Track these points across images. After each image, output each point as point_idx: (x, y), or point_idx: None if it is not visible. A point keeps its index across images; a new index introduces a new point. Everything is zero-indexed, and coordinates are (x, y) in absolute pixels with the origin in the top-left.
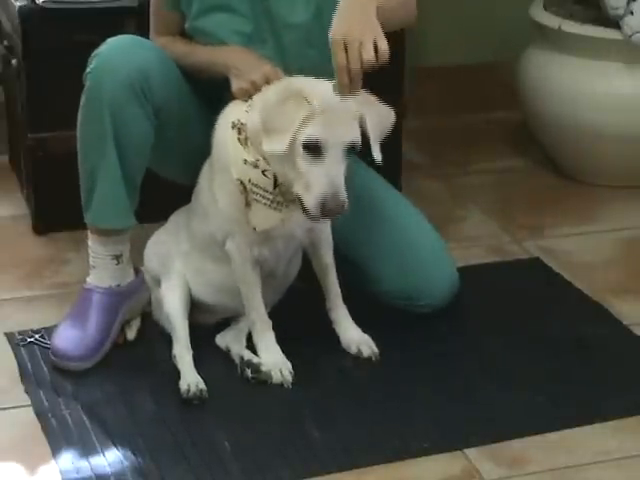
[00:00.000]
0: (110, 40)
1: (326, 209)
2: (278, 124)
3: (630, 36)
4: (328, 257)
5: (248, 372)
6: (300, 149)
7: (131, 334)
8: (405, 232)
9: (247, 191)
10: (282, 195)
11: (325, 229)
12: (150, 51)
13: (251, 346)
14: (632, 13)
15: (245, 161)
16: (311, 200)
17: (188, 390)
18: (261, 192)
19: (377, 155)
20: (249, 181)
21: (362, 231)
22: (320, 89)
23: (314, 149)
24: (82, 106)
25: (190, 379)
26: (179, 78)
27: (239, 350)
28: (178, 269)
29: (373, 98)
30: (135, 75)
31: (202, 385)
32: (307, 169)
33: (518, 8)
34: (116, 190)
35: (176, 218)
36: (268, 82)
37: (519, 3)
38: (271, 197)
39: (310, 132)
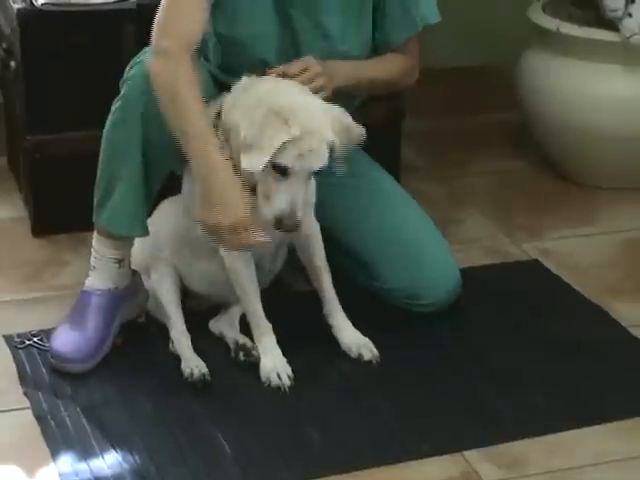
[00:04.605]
0: (150, 48)
1: (281, 225)
2: (257, 143)
3: (628, 38)
4: (319, 259)
5: (240, 355)
6: (269, 166)
7: (141, 318)
8: (409, 231)
9: None
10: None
11: (313, 231)
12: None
13: (245, 331)
14: (630, 15)
15: None
16: (269, 214)
17: (192, 374)
18: None
19: (340, 170)
20: None
21: (366, 229)
22: (302, 110)
23: (282, 171)
24: (116, 110)
25: (192, 362)
26: (211, 93)
27: (234, 335)
28: (166, 257)
29: (348, 119)
30: None
31: (204, 369)
32: (271, 184)
33: (517, 10)
34: (135, 197)
35: (164, 209)
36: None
37: (518, 5)
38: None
39: (281, 158)
